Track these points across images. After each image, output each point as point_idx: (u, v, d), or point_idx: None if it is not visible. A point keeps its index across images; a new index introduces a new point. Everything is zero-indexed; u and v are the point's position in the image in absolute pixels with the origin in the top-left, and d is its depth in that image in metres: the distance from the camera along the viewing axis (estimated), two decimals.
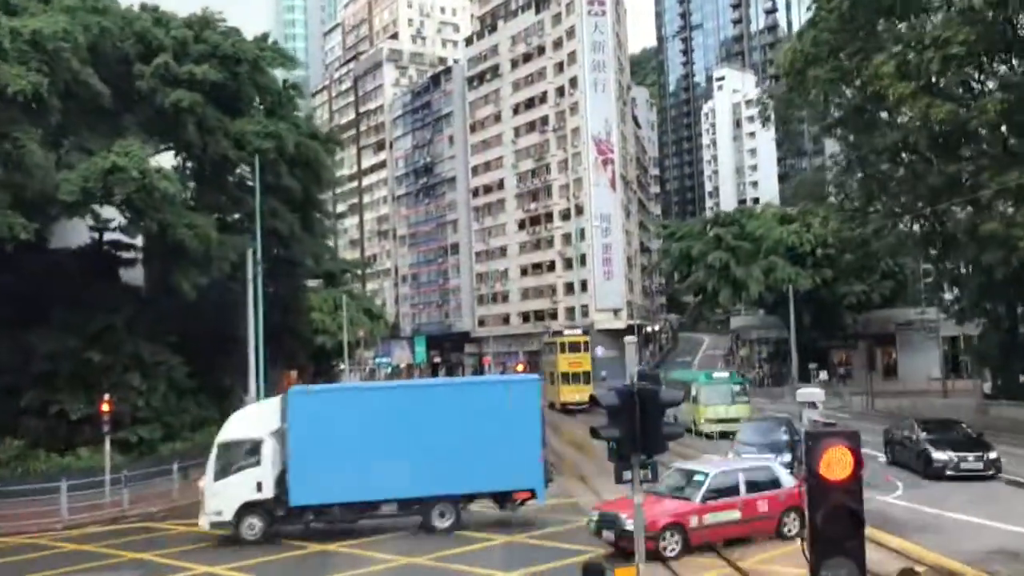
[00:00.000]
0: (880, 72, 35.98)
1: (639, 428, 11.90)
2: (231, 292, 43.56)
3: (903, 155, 42.59)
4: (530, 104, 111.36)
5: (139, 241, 36.89)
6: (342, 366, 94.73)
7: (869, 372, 56.06)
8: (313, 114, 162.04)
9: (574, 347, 60.71)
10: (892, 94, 35.95)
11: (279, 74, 39.84)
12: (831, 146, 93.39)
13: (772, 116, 49.23)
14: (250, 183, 36.75)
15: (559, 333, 65.27)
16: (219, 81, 33.07)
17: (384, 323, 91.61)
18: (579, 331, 66.68)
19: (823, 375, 69.02)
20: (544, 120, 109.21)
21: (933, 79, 35.95)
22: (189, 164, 36.70)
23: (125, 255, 38.00)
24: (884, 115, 42.99)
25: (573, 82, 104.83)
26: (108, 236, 37.40)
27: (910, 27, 37.12)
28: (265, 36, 36.96)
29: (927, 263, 53.96)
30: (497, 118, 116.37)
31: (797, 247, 69.26)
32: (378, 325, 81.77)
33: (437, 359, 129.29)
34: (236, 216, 39.48)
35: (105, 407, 28.66)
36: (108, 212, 34.37)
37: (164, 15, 34.12)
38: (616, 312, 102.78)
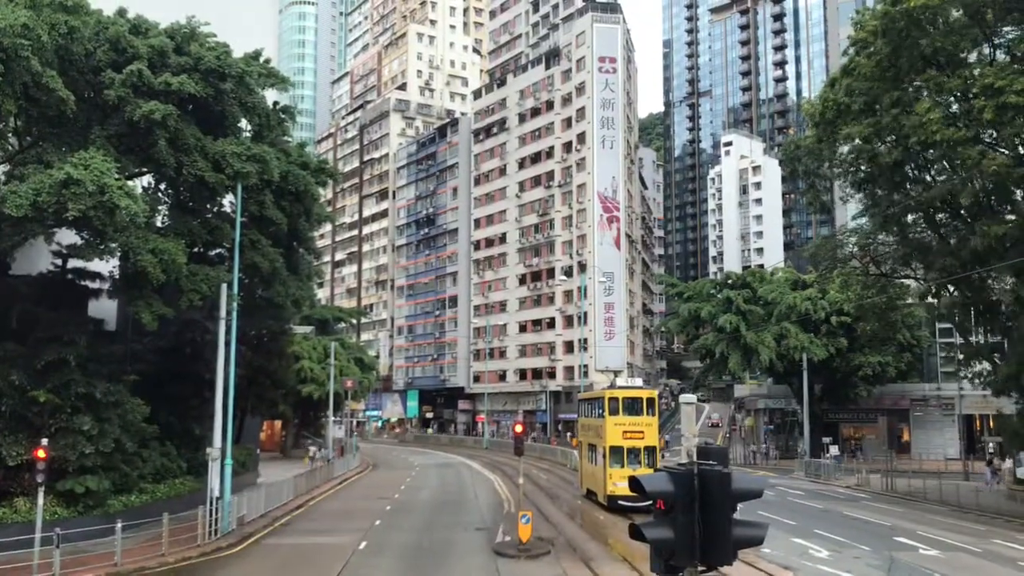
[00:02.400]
0: (926, 120, 32.73)
1: (700, 529, 8.11)
2: (209, 332, 39.86)
3: (941, 215, 39.22)
4: (536, 158, 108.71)
5: (109, 269, 33.16)
6: (333, 417, 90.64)
7: (889, 449, 51.99)
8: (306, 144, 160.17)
9: (633, 407, 38.51)
10: (940, 140, 32.65)
11: (271, 96, 36.49)
12: (843, 213, 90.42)
13: (797, 167, 45.74)
14: (230, 212, 33.20)
15: (613, 386, 41.01)
16: (199, 96, 29.62)
17: (376, 374, 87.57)
18: (639, 383, 42.48)
19: (834, 449, 64.87)
20: (550, 175, 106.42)
21: (982, 130, 32.70)
22: (163, 186, 33.08)
23: (91, 284, 34.20)
24: (921, 173, 39.74)
25: (581, 138, 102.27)
26: (76, 263, 33.72)
27: (956, 76, 33.90)
28: (257, 54, 33.69)
29: (959, 334, 50.15)
30: (502, 171, 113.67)
31: (811, 314, 65.62)
32: (370, 376, 77.70)
33: (429, 414, 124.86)
34: (214, 250, 35.80)
35: (40, 453, 24.64)
36: (72, 236, 30.72)
37: (143, 22, 30.72)
38: (616, 374, 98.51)
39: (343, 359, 74.88)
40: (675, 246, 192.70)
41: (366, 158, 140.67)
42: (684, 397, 10.54)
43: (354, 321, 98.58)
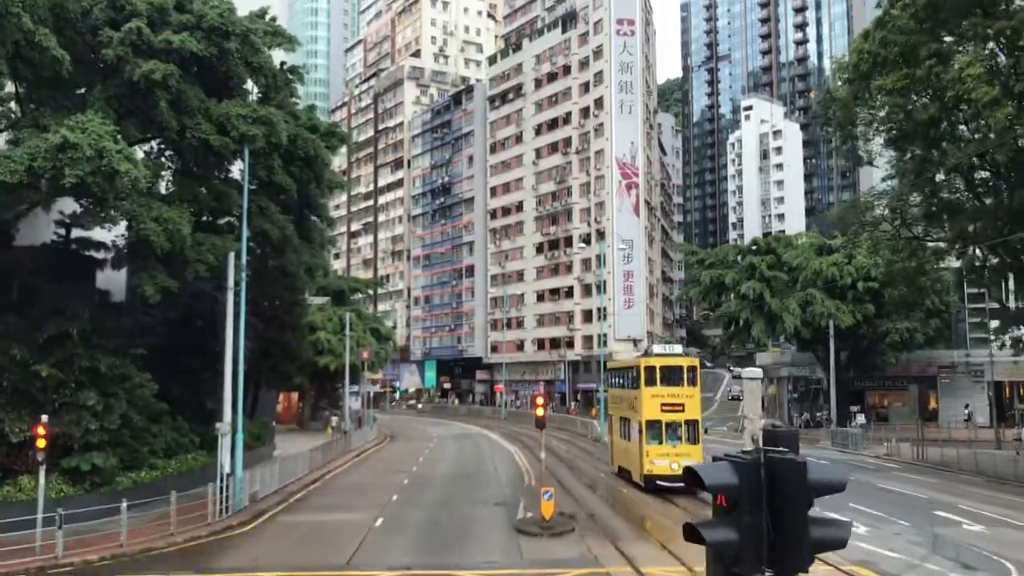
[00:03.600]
0: (965, 75, 30.86)
1: (769, 529, 6.74)
2: (220, 304, 38.67)
3: (979, 174, 37.35)
4: (553, 125, 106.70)
5: (113, 238, 31.88)
6: (352, 388, 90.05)
7: (919, 418, 50.44)
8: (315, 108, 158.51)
9: (671, 376, 33.71)
10: (975, 99, 30.80)
11: (278, 57, 34.89)
12: (868, 177, 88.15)
13: (830, 119, 43.44)
14: (238, 179, 31.83)
15: (650, 353, 36.04)
16: (202, 55, 28.10)
17: (393, 345, 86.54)
18: (679, 350, 37.16)
19: (861, 418, 63.40)
20: (567, 141, 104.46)
21: None
22: (167, 153, 31.66)
23: (97, 255, 33.00)
24: (956, 130, 37.83)
25: (599, 103, 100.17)
26: (81, 233, 32.50)
27: (1008, 20, 31.70)
28: (263, 11, 32.13)
29: (993, 299, 48.36)
30: (518, 139, 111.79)
31: (837, 280, 63.83)
32: (386, 347, 76.63)
33: (447, 384, 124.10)
34: (222, 219, 34.44)
35: (40, 430, 23.57)
36: (75, 205, 29.48)
37: None
38: (636, 343, 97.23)
39: (359, 330, 73.81)
40: (694, 213, 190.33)
41: (380, 127, 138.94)
42: (749, 371, 9.12)
43: (371, 292, 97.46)
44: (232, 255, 29.02)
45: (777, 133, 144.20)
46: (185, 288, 35.60)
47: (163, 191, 30.39)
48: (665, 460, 32.57)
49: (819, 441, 59.60)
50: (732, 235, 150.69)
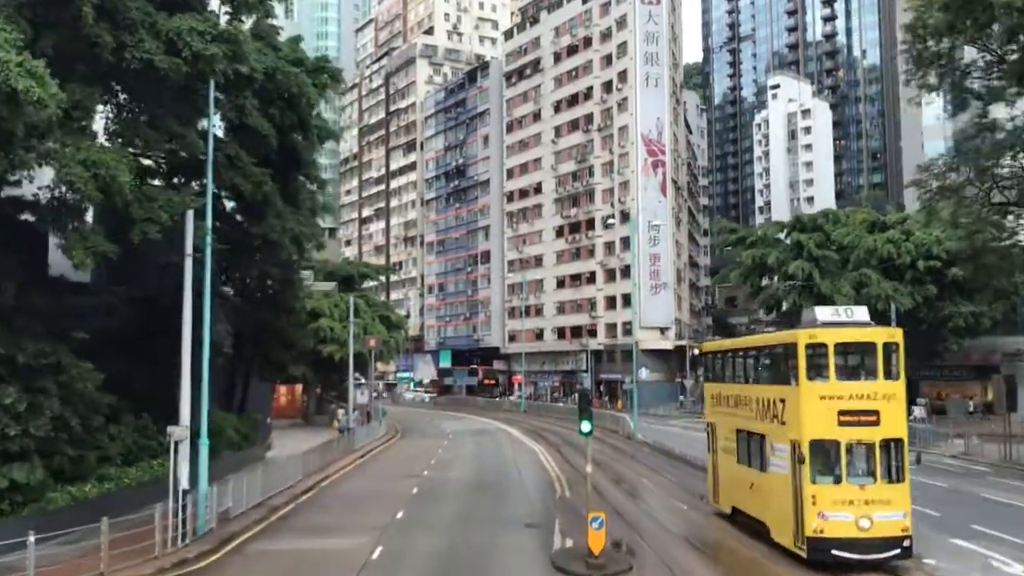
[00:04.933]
0: None
1: None
2: (197, 281, 32.39)
3: None
4: (573, 101, 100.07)
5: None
6: (362, 380, 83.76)
7: (1007, 411, 43.68)
8: (341, 113, 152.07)
9: (857, 361, 20.17)
10: None
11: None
12: (913, 150, 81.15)
13: (923, 52, 35.84)
14: (200, 121, 25.36)
15: (812, 322, 20.53)
16: None
17: (404, 333, 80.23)
18: (862, 314, 21.04)
19: (919, 411, 56.56)
20: (588, 118, 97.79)
21: None
22: (114, 100, 25.01)
23: (30, 218, 26.58)
24: None
25: (622, 76, 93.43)
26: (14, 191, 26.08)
27: None
28: None
29: None
30: (536, 116, 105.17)
31: (894, 258, 57.05)
32: (397, 335, 70.31)
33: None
34: (184, 175, 27.88)
35: None
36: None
37: None
38: (663, 331, 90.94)
39: (367, 317, 67.54)
40: (715, 199, 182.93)
41: (392, 108, 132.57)
42: None
43: (382, 278, 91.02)
44: (191, 214, 22.55)
45: (806, 112, 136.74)
46: (152, 259, 29.41)
47: (101, 132, 23.89)
48: (847, 513, 18.56)
49: None
50: (759, 219, 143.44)
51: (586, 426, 21.06)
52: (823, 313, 20.72)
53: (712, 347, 29.68)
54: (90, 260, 21.07)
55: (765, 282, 64.37)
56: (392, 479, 36.03)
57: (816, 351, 19.32)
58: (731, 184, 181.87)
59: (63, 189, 20.58)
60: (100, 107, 23.07)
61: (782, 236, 64.14)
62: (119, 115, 24.11)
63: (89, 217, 26.95)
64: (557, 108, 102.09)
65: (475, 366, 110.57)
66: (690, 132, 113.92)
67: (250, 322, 39.46)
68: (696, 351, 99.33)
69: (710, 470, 26.58)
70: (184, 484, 22.84)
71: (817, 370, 19.29)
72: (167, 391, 33.05)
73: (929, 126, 73.34)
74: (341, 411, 60.90)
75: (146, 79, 22.35)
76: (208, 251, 23.62)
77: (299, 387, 70.88)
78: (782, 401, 20.39)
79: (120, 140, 23.12)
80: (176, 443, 22.63)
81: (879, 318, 56.45)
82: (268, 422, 47.42)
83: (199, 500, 23.83)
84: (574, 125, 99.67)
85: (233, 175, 25.61)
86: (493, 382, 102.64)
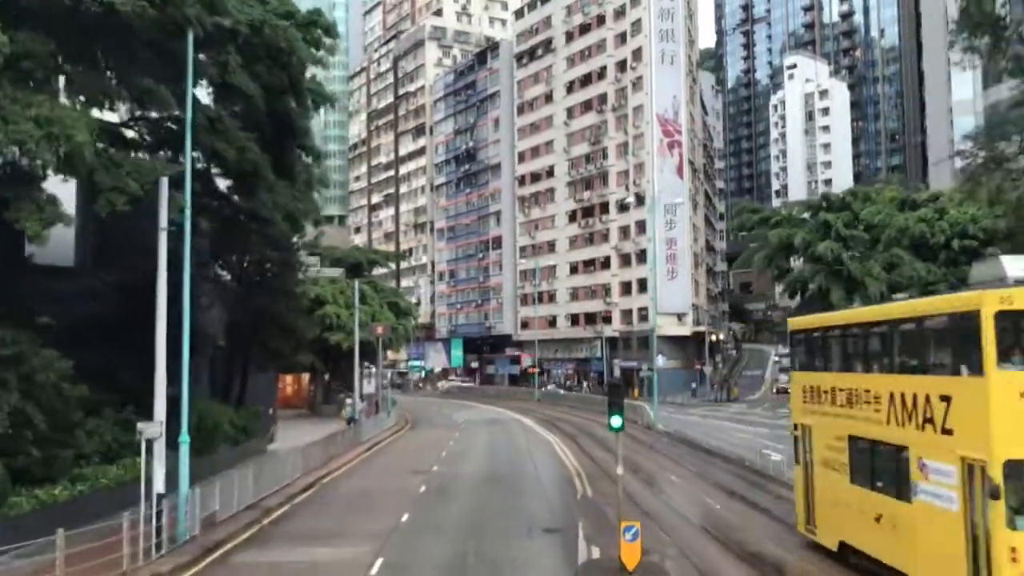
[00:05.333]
0: None
1: None
2: (179, 260, 29.71)
3: None
4: (586, 81, 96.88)
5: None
6: (372, 368, 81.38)
7: None
8: (350, 98, 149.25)
9: None
10: None
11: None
12: (941, 127, 77.78)
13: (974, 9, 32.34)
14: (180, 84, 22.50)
15: (998, 279, 13.38)
16: None
17: (414, 320, 77.54)
18: None
19: None
20: (602, 99, 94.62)
21: None
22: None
23: None
24: None
25: (637, 54, 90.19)
26: None
27: None
28: None
29: None
30: (548, 98, 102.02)
31: (927, 238, 53.93)
32: (406, 323, 67.61)
33: (475, 364, 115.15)
34: (168, 150, 25.10)
35: None
36: None
37: None
38: (680, 317, 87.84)
39: (375, 304, 64.86)
40: (730, 183, 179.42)
41: (401, 92, 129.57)
42: None
43: (392, 265, 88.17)
44: (164, 182, 19.77)
45: (823, 93, 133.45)
46: (142, 242, 26.70)
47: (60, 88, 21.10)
48: None
49: None
50: (775, 203, 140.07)
51: (617, 420, 18.21)
52: (1015, 266, 13.56)
53: (807, 323, 20.98)
54: (41, 229, 18.19)
55: (790, 264, 61.25)
56: (399, 475, 33.31)
57: (1013, 323, 12.84)
58: (745, 168, 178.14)
59: (15, 152, 17.82)
60: (65, 64, 20.24)
61: (807, 216, 61.00)
62: (80, 69, 21.28)
63: (72, 193, 24.43)
64: (569, 89, 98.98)
65: (517, 353, 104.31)
66: (706, 113, 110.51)
67: (247, 308, 36.76)
68: (714, 337, 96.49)
69: (800, 489, 19.80)
70: (159, 487, 20.15)
71: (1014, 352, 12.83)
72: (145, 386, 30.58)
73: (960, 101, 70.05)
74: (349, 400, 58.33)
75: (112, 29, 19.55)
76: (188, 224, 20.82)
77: (306, 376, 68.33)
78: (944, 399, 13.75)
79: (82, 99, 20.33)
80: (149, 441, 19.92)
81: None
82: (271, 413, 44.86)
83: (179, 504, 21.15)
84: (587, 106, 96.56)
85: (215, 140, 22.82)
86: (536, 370, 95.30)
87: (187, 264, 21.58)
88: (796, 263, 60.15)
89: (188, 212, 20.83)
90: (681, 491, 28.68)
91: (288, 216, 28.11)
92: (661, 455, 38.79)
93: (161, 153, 25.92)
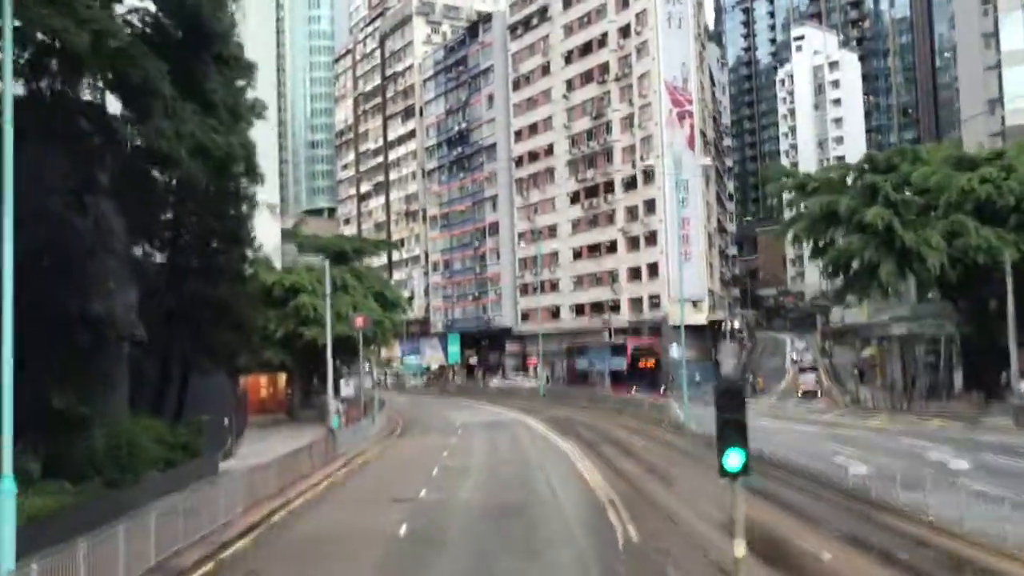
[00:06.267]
0: None
1: None
2: (74, 229, 21.72)
3: None
4: (586, 50, 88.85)
5: None
6: (366, 367, 73.20)
7: None
8: (335, 83, 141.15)
9: None
10: None
11: None
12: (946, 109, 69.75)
13: None
14: None
15: None
16: None
17: (403, 312, 69.41)
18: None
19: None
20: (604, 68, 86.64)
21: None
22: None
23: None
24: None
25: (641, 18, 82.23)
26: None
27: None
28: None
29: None
30: (545, 70, 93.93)
31: (994, 201, 45.93)
32: (393, 315, 59.49)
33: (473, 359, 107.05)
34: None
35: None
36: None
37: None
38: (696, 303, 79.67)
39: (357, 294, 56.73)
40: (735, 166, 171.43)
41: (388, 73, 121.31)
42: None
43: (381, 253, 79.26)
44: None
45: (833, 65, 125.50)
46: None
47: None
48: None
49: (986, 418, 42.15)
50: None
51: (736, 459, 9.96)
52: None
53: None
54: None
55: (830, 237, 53.10)
56: (374, 505, 25.15)
57: None
58: (749, 150, 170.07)
59: None
60: None
61: (851, 180, 52.76)
62: None
63: None
64: (568, 59, 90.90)
65: (622, 341, 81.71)
66: (713, 85, 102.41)
67: (180, 295, 28.68)
68: (728, 325, 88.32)
69: None
70: None
71: None
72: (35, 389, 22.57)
73: (1013, 52, 62.10)
74: (336, 402, 50.28)
75: None
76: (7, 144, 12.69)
77: (282, 378, 60.23)
78: None
79: None
80: None
81: (982, 274, 45.63)
82: (227, 424, 36.66)
83: None
84: (588, 77, 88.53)
85: (46, 14, 14.63)
86: (652, 364, 77.38)
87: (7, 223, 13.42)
88: (838, 235, 51.92)
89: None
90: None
91: (200, 151, 19.78)
92: (699, 464, 30.64)
93: None
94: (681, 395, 66.12)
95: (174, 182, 27.73)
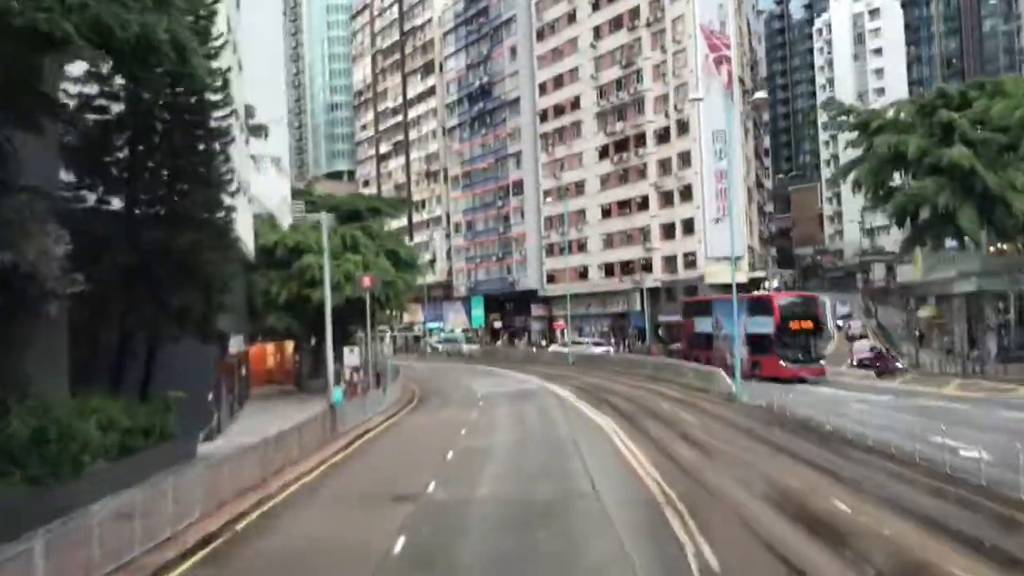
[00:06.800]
0: None
1: None
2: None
3: None
4: None
5: None
6: (386, 332, 68.38)
7: None
8: (352, 40, 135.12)
9: None
10: None
11: None
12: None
13: None
14: None
15: None
16: None
17: (419, 272, 63.89)
18: None
19: None
20: (634, 12, 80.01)
21: None
22: None
23: None
24: None
25: None
26: None
27: None
28: None
29: None
30: (571, 18, 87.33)
31: None
32: (408, 275, 54.02)
33: (498, 323, 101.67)
34: None
35: None
36: None
37: None
38: (735, 261, 73.66)
39: (368, 253, 51.26)
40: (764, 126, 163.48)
41: (407, 27, 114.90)
42: None
43: (397, 212, 73.58)
44: None
45: (874, 12, 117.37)
46: None
47: None
48: None
49: None
50: (823, 136, 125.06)
51: None
52: None
53: None
54: None
55: (895, 180, 46.82)
56: (369, 507, 19.73)
57: None
58: (780, 107, 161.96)
59: None
60: None
61: (920, 116, 46.16)
62: None
63: None
64: (596, 5, 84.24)
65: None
66: (750, 33, 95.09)
67: (136, 246, 23.27)
68: (767, 284, 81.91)
69: None
70: None
71: None
72: None
73: None
74: (351, 368, 45.18)
75: None
76: None
77: (290, 345, 55.14)
78: None
79: None
80: None
81: None
82: (210, 400, 31.44)
83: None
84: (617, 23, 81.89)
85: None
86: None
87: None
88: (908, 177, 45.47)
89: None
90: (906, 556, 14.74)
91: (120, 22, 13.79)
92: (772, 447, 25.03)
93: None
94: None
95: (121, 107, 22.42)
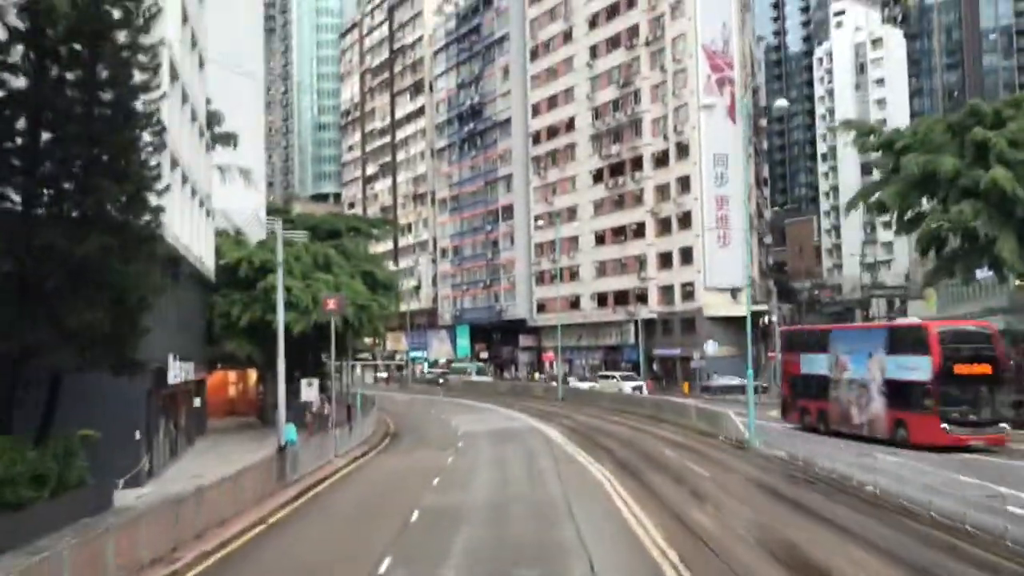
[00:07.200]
0: None
1: None
2: None
3: None
4: (613, 11, 78.65)
5: None
6: (379, 366, 63.71)
7: None
8: (341, 60, 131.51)
9: None
10: None
11: None
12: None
13: None
14: None
15: None
16: None
17: (396, 297, 59.10)
18: None
19: None
20: (633, 31, 76.36)
21: None
22: None
23: None
24: None
25: None
26: None
27: None
28: None
29: None
30: (567, 36, 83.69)
31: None
32: (384, 299, 49.27)
33: (484, 353, 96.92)
34: None
35: None
36: None
37: None
38: (734, 293, 69.33)
39: (341, 273, 46.57)
40: (762, 155, 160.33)
41: (396, 46, 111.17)
42: None
43: (376, 232, 68.78)
44: None
45: (876, 42, 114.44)
46: None
47: None
48: None
49: None
50: (822, 168, 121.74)
51: None
52: None
53: None
54: None
55: (922, 204, 42.54)
56: None
57: None
58: (778, 138, 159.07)
59: None
60: None
61: (951, 135, 41.80)
62: None
63: None
64: (593, 23, 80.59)
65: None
66: (753, 58, 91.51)
67: (31, 251, 18.59)
68: (766, 319, 77.42)
69: None
70: None
71: None
72: None
73: None
74: (315, 399, 40.28)
75: None
76: None
77: (252, 375, 50.23)
78: None
79: None
80: None
81: None
82: (138, 438, 26.52)
83: None
84: (614, 42, 78.21)
85: None
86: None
87: None
88: (937, 201, 41.14)
89: None
90: None
91: None
92: (806, 514, 20.18)
93: None
94: (723, 396, 56.30)
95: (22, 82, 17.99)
